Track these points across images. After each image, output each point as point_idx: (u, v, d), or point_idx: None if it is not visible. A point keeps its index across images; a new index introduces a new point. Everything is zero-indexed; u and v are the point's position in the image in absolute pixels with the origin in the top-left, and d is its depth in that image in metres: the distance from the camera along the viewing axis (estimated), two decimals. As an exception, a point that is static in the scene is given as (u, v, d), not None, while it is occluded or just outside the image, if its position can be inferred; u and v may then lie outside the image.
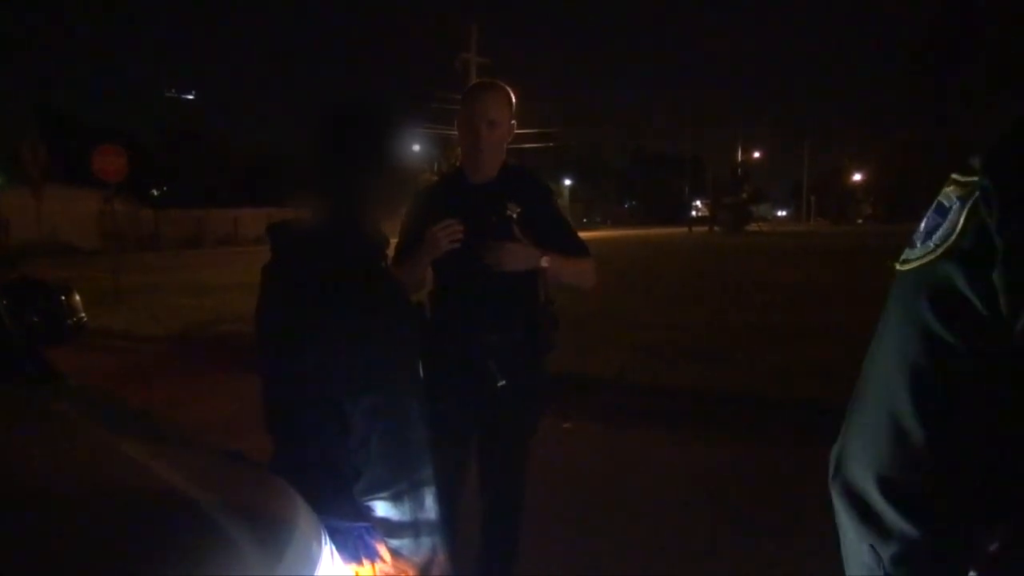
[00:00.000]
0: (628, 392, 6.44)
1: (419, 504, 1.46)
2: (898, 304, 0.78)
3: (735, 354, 7.63)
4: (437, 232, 2.30)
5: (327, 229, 1.57)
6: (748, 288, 13.62)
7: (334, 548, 1.43)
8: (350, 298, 1.47)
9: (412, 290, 2.43)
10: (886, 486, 0.75)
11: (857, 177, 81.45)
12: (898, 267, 0.79)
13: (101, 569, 1.13)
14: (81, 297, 2.61)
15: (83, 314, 2.51)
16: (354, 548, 1.48)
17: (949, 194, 0.76)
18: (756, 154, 68.53)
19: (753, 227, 53.45)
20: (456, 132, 2.51)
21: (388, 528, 1.45)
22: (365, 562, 1.48)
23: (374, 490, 1.43)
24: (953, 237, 0.73)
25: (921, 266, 0.75)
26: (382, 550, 1.47)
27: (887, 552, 0.74)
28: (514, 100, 2.48)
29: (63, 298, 2.40)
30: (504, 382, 2.35)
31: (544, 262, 2.38)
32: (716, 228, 54.60)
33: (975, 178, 0.73)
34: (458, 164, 2.61)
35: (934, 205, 0.78)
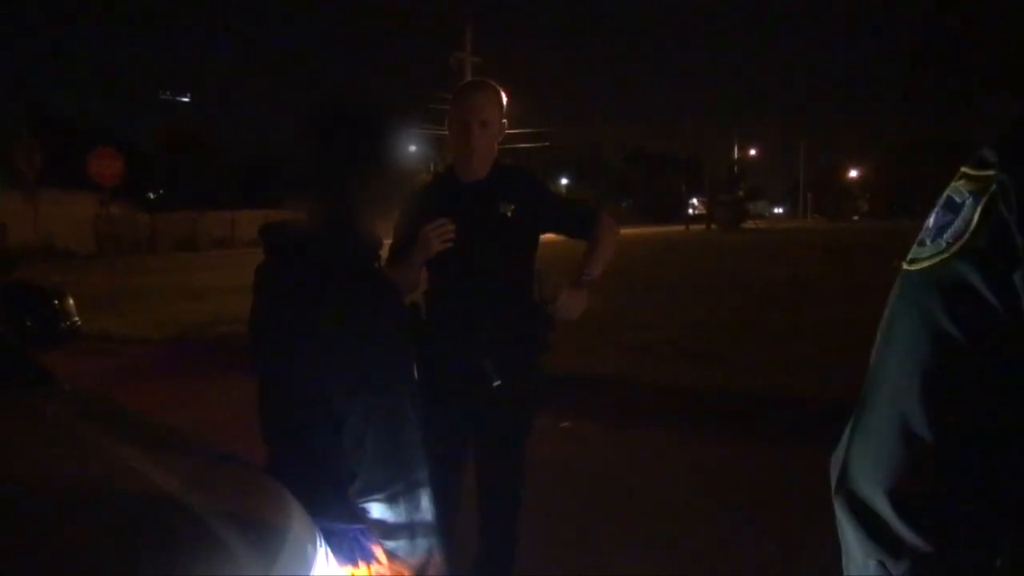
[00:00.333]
0: (627, 391, 6.43)
1: (415, 505, 1.45)
2: (907, 306, 0.73)
3: (734, 352, 7.63)
4: (429, 232, 2.30)
5: (320, 230, 1.57)
6: (746, 285, 13.63)
7: (329, 550, 1.43)
8: (343, 299, 1.47)
9: (406, 291, 2.42)
10: (897, 498, 0.70)
11: (853, 174, 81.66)
12: (906, 267, 0.75)
13: (94, 571, 1.12)
14: (76, 300, 2.61)
15: (77, 317, 2.51)
16: (349, 550, 1.47)
17: (960, 189, 0.72)
18: (752, 152, 68.71)
19: (750, 224, 53.58)
20: (447, 131, 2.51)
21: (383, 530, 1.45)
22: (360, 564, 1.47)
23: (369, 492, 1.43)
24: (967, 235, 0.69)
25: (932, 265, 0.71)
26: (377, 552, 1.46)
27: (898, 569, 0.70)
28: (505, 99, 2.48)
29: (56, 302, 2.40)
30: (500, 382, 2.35)
31: (586, 281, 2.43)
32: (713, 226, 54.71)
33: (991, 172, 0.69)
34: (448, 164, 2.61)
35: (943, 201, 0.73)
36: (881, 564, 0.71)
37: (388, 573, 1.47)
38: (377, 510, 1.44)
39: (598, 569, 3.29)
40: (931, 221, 0.74)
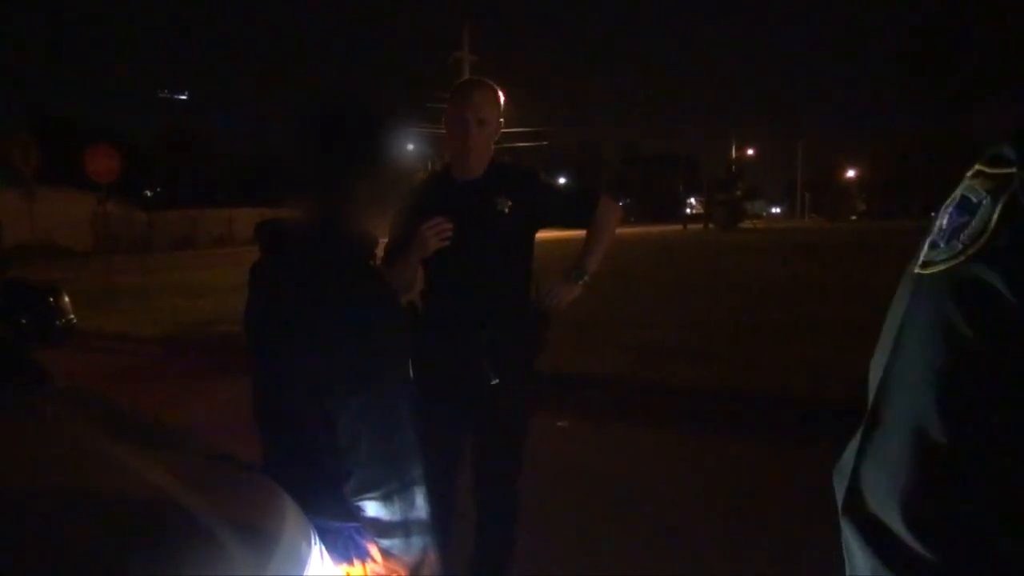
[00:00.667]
0: (624, 390, 6.44)
1: (410, 504, 1.45)
2: (921, 311, 0.69)
3: (732, 352, 7.64)
4: (426, 231, 2.30)
5: (315, 229, 1.57)
6: (744, 285, 13.64)
7: (324, 548, 1.43)
8: (339, 298, 1.46)
9: (403, 289, 2.42)
10: (913, 514, 0.66)
11: (851, 174, 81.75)
12: (918, 271, 0.70)
13: (88, 570, 1.12)
14: (73, 298, 2.60)
15: (72, 315, 2.50)
16: (344, 548, 1.47)
17: (976, 188, 0.68)
18: (750, 151, 68.74)
19: (747, 224, 53.64)
20: (444, 130, 2.50)
21: (378, 528, 1.45)
22: (355, 562, 1.47)
23: (364, 490, 1.43)
24: (986, 236, 0.65)
25: (948, 269, 0.67)
26: (372, 550, 1.46)
27: None
28: (502, 98, 2.48)
29: (52, 299, 2.39)
30: (497, 380, 2.35)
31: (580, 279, 2.47)
32: (711, 225, 54.75)
33: (1011, 170, 0.65)
34: (444, 162, 2.61)
35: (957, 200, 0.69)
36: None
37: (383, 571, 1.47)
38: (372, 508, 1.44)
39: (596, 568, 3.29)
40: (944, 222, 0.70)
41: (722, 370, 6.82)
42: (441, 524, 1.62)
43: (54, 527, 1.20)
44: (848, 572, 0.73)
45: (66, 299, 2.46)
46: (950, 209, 0.70)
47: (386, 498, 1.43)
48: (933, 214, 0.75)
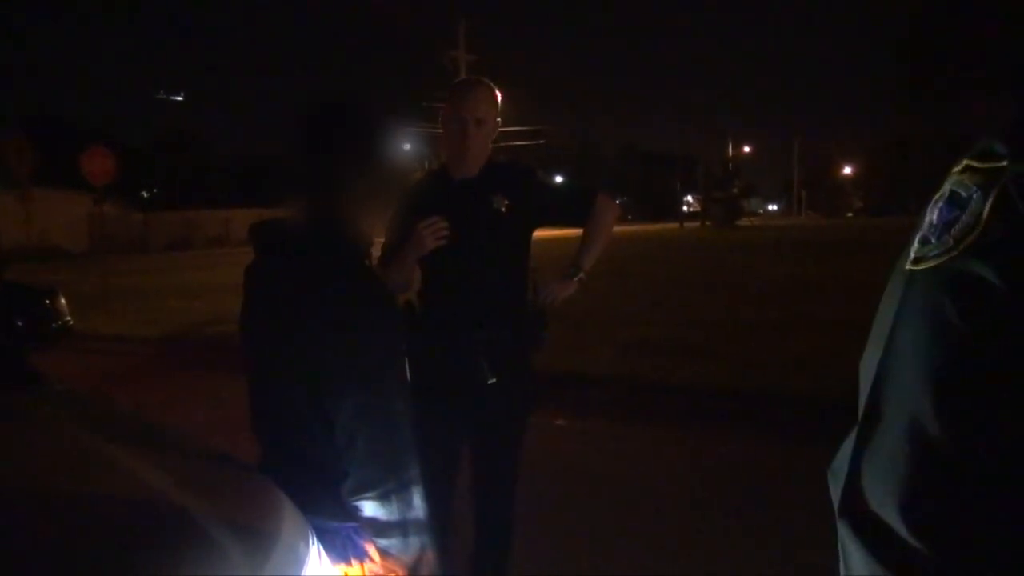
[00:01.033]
0: (622, 388, 6.44)
1: (407, 503, 1.45)
2: (915, 307, 0.69)
3: (730, 349, 7.65)
4: (422, 230, 2.30)
5: (310, 229, 1.56)
6: (742, 283, 13.65)
7: (322, 548, 1.43)
8: (334, 299, 1.46)
9: (400, 289, 2.42)
10: (911, 512, 0.66)
11: (847, 171, 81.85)
12: (910, 267, 0.70)
13: (85, 571, 1.12)
14: (69, 300, 2.60)
15: (68, 317, 2.50)
16: (342, 548, 1.47)
17: (965, 182, 0.68)
18: (746, 149, 68.81)
19: (744, 222, 53.70)
20: (441, 129, 2.50)
21: (376, 528, 1.45)
22: (353, 562, 1.47)
23: (362, 490, 1.43)
24: (978, 230, 0.65)
25: (940, 264, 0.67)
26: (370, 550, 1.46)
27: None
28: (499, 97, 2.48)
29: (48, 301, 2.39)
30: (494, 379, 2.35)
31: (576, 276, 2.47)
32: (708, 223, 54.79)
33: (1001, 164, 0.65)
34: (440, 161, 2.61)
35: (946, 195, 0.69)
36: None
37: (381, 571, 1.47)
38: (369, 508, 1.44)
39: (594, 566, 3.30)
40: (934, 217, 0.70)
41: (720, 368, 6.83)
42: (439, 523, 1.62)
43: (51, 528, 1.20)
44: (843, 573, 0.73)
45: (62, 301, 2.46)
46: (939, 204, 0.70)
47: (384, 498, 1.43)
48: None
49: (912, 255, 0.70)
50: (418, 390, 1.67)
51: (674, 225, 56.63)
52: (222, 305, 11.03)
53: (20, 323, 2.20)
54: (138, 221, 39.01)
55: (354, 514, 1.45)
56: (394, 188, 1.86)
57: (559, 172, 69.14)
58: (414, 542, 1.47)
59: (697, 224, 57.03)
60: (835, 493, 0.73)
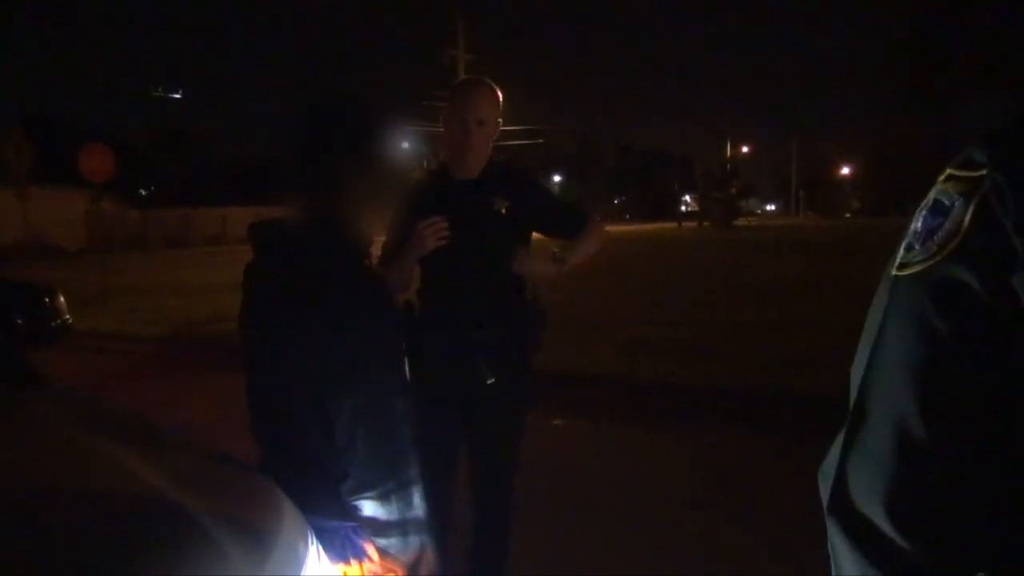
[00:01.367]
0: (621, 388, 6.45)
1: (406, 503, 1.45)
2: (899, 312, 0.71)
3: (728, 350, 7.65)
4: (423, 230, 2.30)
5: (309, 228, 1.56)
6: (740, 283, 13.66)
7: (321, 548, 1.43)
8: (333, 298, 1.46)
9: (400, 288, 2.42)
10: (897, 511, 0.68)
11: (845, 171, 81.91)
12: (895, 272, 0.72)
13: (85, 571, 1.12)
14: (67, 298, 2.59)
15: (68, 315, 2.49)
16: (341, 548, 1.47)
17: (948, 191, 0.70)
18: (745, 149, 68.82)
19: (742, 222, 53.77)
20: (442, 129, 2.50)
21: (375, 527, 1.45)
22: (352, 562, 1.47)
23: (361, 489, 1.43)
24: (959, 237, 0.67)
25: (924, 270, 0.69)
26: (370, 549, 1.46)
27: None
28: (501, 97, 2.48)
29: (47, 299, 2.38)
30: (493, 379, 2.35)
31: (558, 258, 2.45)
32: (706, 223, 54.83)
33: (981, 172, 0.67)
34: (441, 161, 2.61)
35: (930, 204, 0.71)
36: None
37: (380, 570, 1.47)
38: (369, 508, 1.44)
39: (593, 566, 3.30)
40: (918, 224, 0.72)
41: (719, 368, 6.83)
42: (437, 523, 1.62)
43: (50, 528, 1.20)
44: (834, 572, 0.74)
45: (61, 299, 2.45)
46: (923, 212, 0.72)
47: (383, 497, 1.43)
48: None
49: (897, 261, 0.72)
50: (417, 389, 1.68)
51: (672, 225, 56.69)
52: (220, 303, 11.03)
53: (19, 321, 2.20)
54: (136, 219, 38.93)
55: (353, 513, 1.45)
56: (394, 187, 1.86)
57: (558, 172, 69.17)
58: (413, 541, 1.47)
59: (695, 224, 57.08)
60: (824, 492, 0.75)
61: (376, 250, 2.07)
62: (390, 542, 1.46)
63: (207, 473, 1.57)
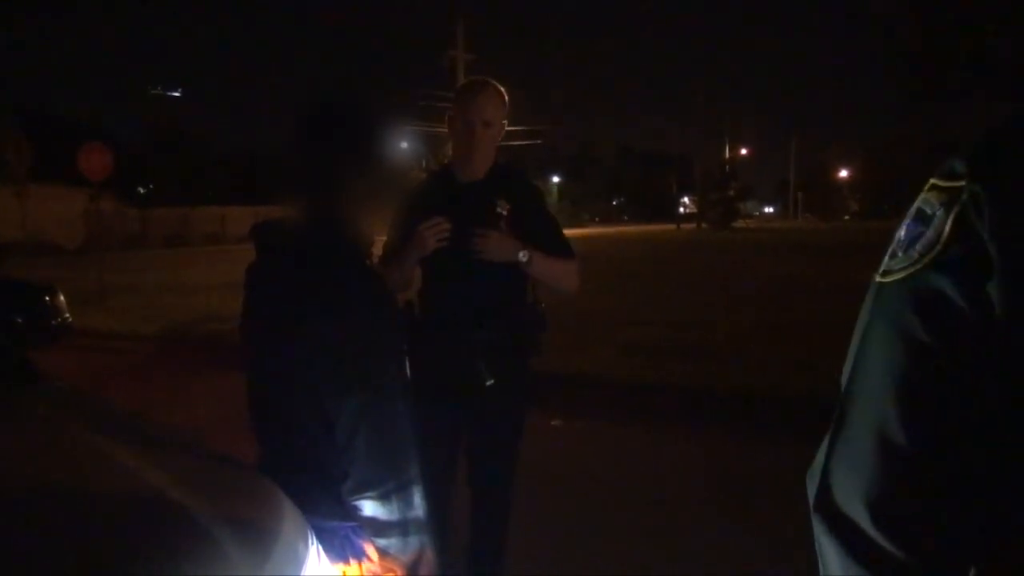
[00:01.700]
0: (618, 389, 6.45)
1: (407, 503, 1.45)
2: (881, 318, 0.73)
3: (725, 351, 7.66)
4: (424, 230, 2.30)
5: (311, 229, 1.57)
6: (737, 285, 13.67)
7: (321, 548, 1.43)
8: (335, 298, 1.47)
9: (400, 288, 2.42)
10: (878, 511, 0.70)
11: (843, 174, 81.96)
12: (879, 279, 0.75)
13: (85, 571, 1.12)
14: (66, 297, 2.60)
15: (68, 314, 2.50)
16: (341, 548, 1.47)
17: (930, 200, 0.72)
18: (743, 151, 68.84)
19: (741, 224, 53.77)
20: (446, 130, 2.50)
21: (375, 528, 1.45)
22: (352, 562, 1.47)
23: (361, 490, 1.43)
24: (939, 246, 0.69)
25: (905, 277, 0.71)
26: (369, 550, 1.46)
27: None
28: (507, 99, 2.49)
29: (47, 298, 2.39)
30: (492, 381, 2.35)
31: (522, 256, 2.35)
32: (704, 225, 54.85)
33: (961, 183, 0.69)
34: (447, 162, 2.60)
35: (913, 213, 0.74)
36: None
37: (380, 570, 1.47)
38: (369, 508, 1.44)
39: (590, 567, 3.30)
40: (902, 233, 0.74)
41: (716, 369, 6.84)
42: (436, 523, 1.62)
43: (50, 527, 1.20)
44: (821, 571, 0.76)
45: (61, 298, 2.46)
46: (907, 221, 0.74)
47: (383, 497, 1.44)
48: None
49: (882, 268, 0.75)
50: (417, 389, 1.68)
51: (671, 226, 56.71)
52: (219, 303, 11.02)
53: (20, 320, 2.20)
54: (135, 218, 38.87)
55: (353, 513, 1.45)
56: (394, 187, 1.87)
57: (557, 172, 69.15)
58: (413, 542, 1.47)
59: (694, 225, 57.10)
60: (811, 493, 0.77)
61: (377, 250, 2.07)
62: (390, 542, 1.46)
63: (207, 473, 1.58)
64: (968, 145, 0.72)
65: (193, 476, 1.49)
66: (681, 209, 74.00)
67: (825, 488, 0.75)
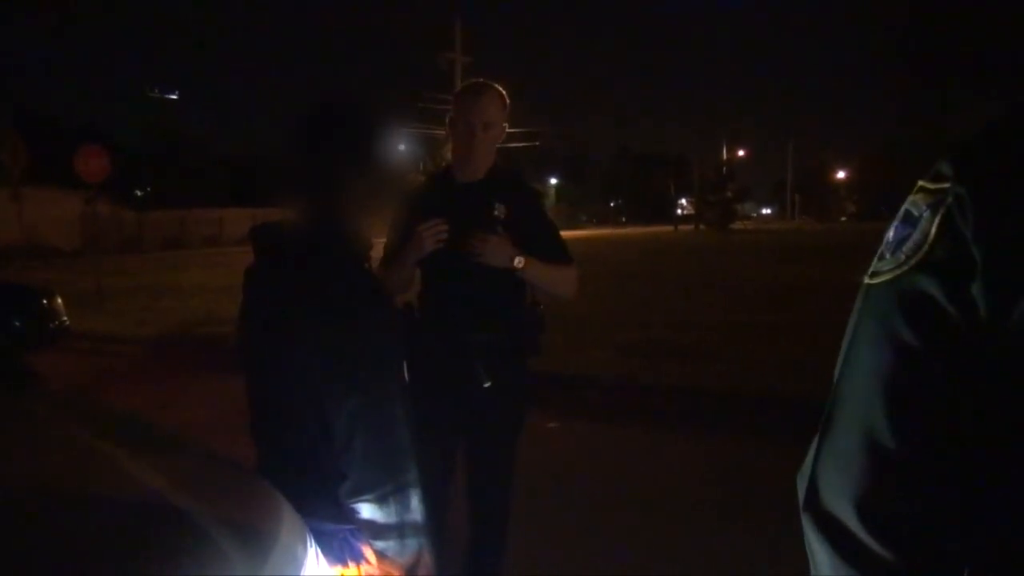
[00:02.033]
0: (615, 391, 6.45)
1: (404, 506, 1.45)
2: (869, 319, 0.74)
3: (723, 352, 7.67)
4: (423, 232, 2.30)
5: (309, 231, 1.57)
6: (735, 286, 13.69)
7: (319, 550, 1.43)
8: (332, 301, 1.47)
9: (399, 290, 2.43)
10: (865, 512, 0.71)
11: (841, 175, 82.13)
12: (867, 280, 0.75)
13: (83, 573, 1.12)
14: (64, 300, 2.59)
15: (65, 317, 2.50)
16: (339, 550, 1.47)
17: (918, 203, 0.73)
18: (741, 152, 68.90)
19: (738, 225, 53.83)
20: (445, 132, 2.51)
21: (373, 530, 1.45)
22: (350, 564, 1.47)
23: (359, 492, 1.43)
24: (925, 248, 0.70)
25: (892, 279, 0.72)
26: (367, 552, 1.46)
27: None
28: (508, 102, 2.49)
29: (45, 301, 2.39)
30: (490, 383, 2.35)
31: (517, 262, 2.34)
32: (702, 226, 54.92)
33: (946, 185, 0.70)
34: (445, 164, 2.61)
35: (901, 215, 0.74)
36: None
37: (378, 573, 1.47)
38: (367, 510, 1.44)
39: (590, 567, 3.30)
40: (890, 234, 0.75)
41: (715, 370, 6.85)
42: (434, 525, 1.62)
43: (49, 530, 1.20)
44: (812, 571, 0.77)
45: (59, 301, 2.46)
46: (896, 222, 0.75)
47: (381, 500, 1.44)
48: None
49: (870, 269, 0.75)
50: (415, 391, 1.68)
51: (668, 228, 56.77)
52: (217, 305, 11.02)
53: (17, 323, 2.20)
54: (132, 220, 38.77)
55: (351, 516, 1.45)
56: (393, 189, 1.87)
57: (554, 174, 69.18)
58: (411, 544, 1.47)
59: (691, 227, 57.17)
60: (801, 492, 0.78)
61: (377, 253, 2.07)
62: (388, 545, 1.46)
63: (206, 475, 1.58)
64: (955, 147, 0.73)
65: (192, 479, 1.49)
66: (679, 211, 74.10)
67: (814, 488, 0.76)
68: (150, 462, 1.49)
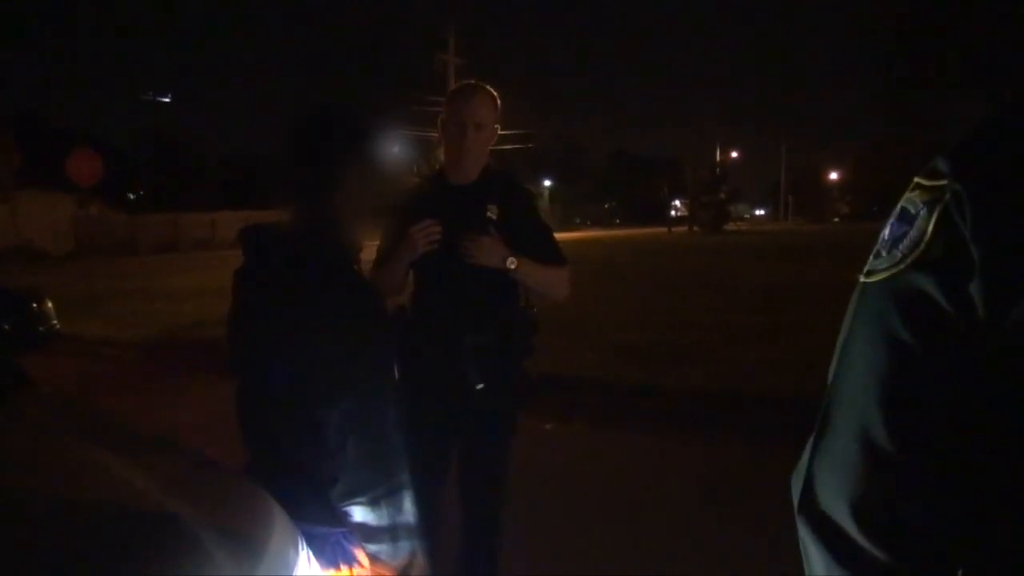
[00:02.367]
0: (610, 393, 6.45)
1: (397, 508, 1.45)
2: (865, 318, 0.73)
3: (717, 353, 7.68)
4: (415, 233, 2.29)
5: (300, 234, 1.56)
6: (729, 287, 13.71)
7: (311, 554, 1.42)
8: (323, 303, 1.46)
9: (392, 292, 2.42)
10: (861, 512, 0.70)
11: (834, 176, 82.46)
12: (863, 279, 0.74)
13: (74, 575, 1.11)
14: (55, 303, 2.58)
15: (55, 321, 2.49)
16: (332, 553, 1.47)
17: (914, 200, 0.72)
18: (734, 154, 69.13)
19: (732, 226, 54.02)
20: (438, 134, 2.50)
21: (366, 533, 1.45)
22: (343, 567, 1.47)
23: (351, 495, 1.43)
24: (922, 246, 0.69)
25: (888, 277, 0.71)
26: (360, 555, 1.46)
27: None
28: (499, 103, 2.48)
29: (35, 305, 2.38)
30: (483, 385, 2.35)
31: (510, 263, 2.34)
32: (695, 228, 55.06)
33: (943, 182, 0.69)
34: (439, 166, 2.60)
35: (897, 212, 0.73)
36: None
37: (370, 575, 1.47)
38: (359, 513, 1.44)
39: (583, 569, 3.30)
40: (886, 232, 0.74)
41: (708, 372, 6.85)
42: (428, 528, 1.62)
43: (40, 533, 1.19)
44: (807, 572, 0.76)
45: (49, 305, 2.45)
46: (892, 220, 0.74)
47: (373, 503, 1.43)
48: None
49: (866, 268, 0.75)
50: (408, 393, 1.67)
51: (662, 229, 56.90)
52: (209, 308, 10.97)
53: (6, 327, 2.19)
54: (124, 223, 38.67)
55: (344, 519, 1.45)
56: (386, 192, 1.87)
57: (547, 175, 69.25)
58: (404, 546, 1.47)
59: (685, 228, 57.31)
60: (796, 493, 0.77)
61: (369, 256, 2.06)
62: (380, 547, 1.46)
63: (197, 479, 1.57)
64: (952, 144, 0.72)
65: (183, 482, 1.49)
66: (672, 212, 74.28)
67: (809, 489, 0.75)
68: (141, 466, 1.48)
